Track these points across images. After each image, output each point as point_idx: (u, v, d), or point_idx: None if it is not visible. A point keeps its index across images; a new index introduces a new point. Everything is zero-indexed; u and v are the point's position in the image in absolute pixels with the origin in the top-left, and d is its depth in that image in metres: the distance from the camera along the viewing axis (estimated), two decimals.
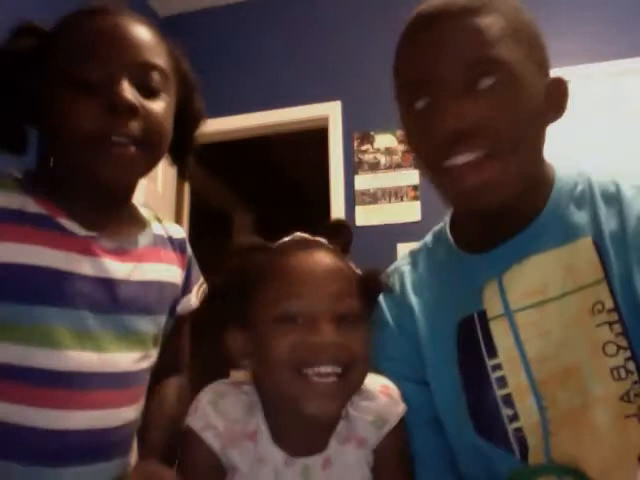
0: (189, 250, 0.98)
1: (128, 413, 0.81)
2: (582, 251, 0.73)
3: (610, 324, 0.70)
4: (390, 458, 0.78)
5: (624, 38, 2.62)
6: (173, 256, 0.92)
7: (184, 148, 0.91)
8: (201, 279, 0.99)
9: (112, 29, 0.76)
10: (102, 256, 0.79)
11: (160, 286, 0.87)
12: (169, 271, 0.90)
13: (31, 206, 0.75)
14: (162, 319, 0.88)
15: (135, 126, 0.74)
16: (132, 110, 0.73)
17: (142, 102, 0.75)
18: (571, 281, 0.73)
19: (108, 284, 0.79)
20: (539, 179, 0.78)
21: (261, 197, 4.49)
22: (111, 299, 0.79)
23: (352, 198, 2.87)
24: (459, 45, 0.70)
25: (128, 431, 0.82)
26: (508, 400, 0.74)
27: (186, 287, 0.95)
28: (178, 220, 3.09)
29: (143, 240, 0.87)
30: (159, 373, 0.91)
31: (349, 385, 0.70)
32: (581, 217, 0.76)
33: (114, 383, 0.78)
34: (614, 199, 0.75)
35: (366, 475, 0.76)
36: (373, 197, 2.85)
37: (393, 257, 2.47)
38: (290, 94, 3.06)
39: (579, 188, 0.79)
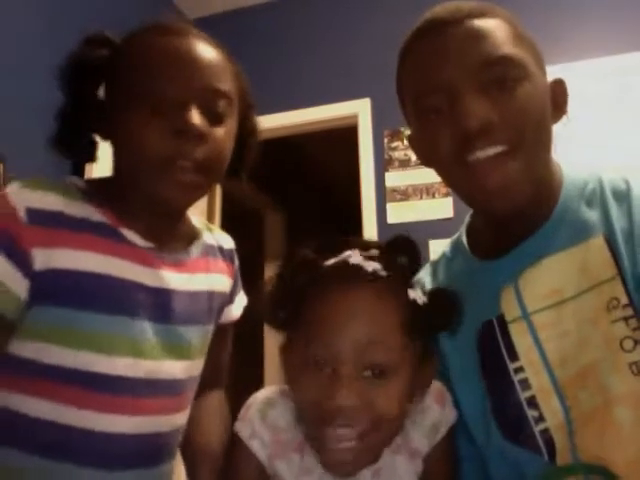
0: (237, 261, 0.99)
1: (178, 419, 0.83)
2: (595, 249, 0.73)
3: (626, 319, 0.69)
4: (439, 465, 0.77)
5: (630, 33, 2.57)
6: (223, 265, 0.94)
7: (238, 166, 0.91)
8: (242, 291, 1.01)
9: (184, 52, 0.77)
10: (161, 267, 0.81)
11: (210, 295, 0.89)
12: (219, 280, 0.92)
13: (95, 215, 0.77)
14: (211, 328, 0.90)
15: (200, 152, 0.75)
16: (201, 137, 0.75)
17: (208, 129, 0.76)
18: (586, 280, 0.73)
19: (165, 295, 0.81)
20: (549, 180, 0.79)
21: (292, 197, 4.50)
22: (167, 310, 0.81)
23: (383, 195, 2.86)
24: (472, 45, 0.72)
25: (176, 436, 0.84)
26: (532, 402, 0.74)
27: (231, 297, 0.97)
28: (210, 220, 3.12)
29: (195, 251, 0.89)
30: (199, 384, 0.91)
31: (371, 447, 0.67)
32: (592, 215, 0.76)
33: (166, 390, 0.80)
34: (625, 196, 0.75)
35: None
36: (404, 194, 2.83)
37: (425, 254, 2.45)
38: (319, 93, 3.06)
39: (589, 187, 0.79)
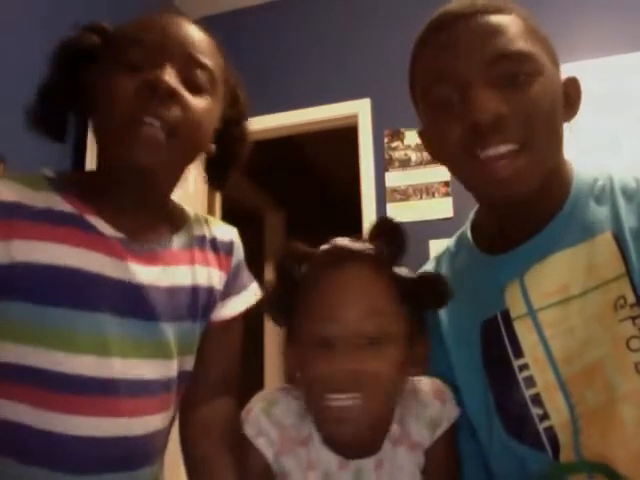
0: (239, 254, 0.93)
1: (156, 421, 0.78)
2: (603, 247, 0.73)
3: (633, 319, 0.69)
4: (441, 460, 0.78)
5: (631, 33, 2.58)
6: (212, 258, 0.88)
7: (223, 163, 0.89)
8: (251, 286, 0.93)
9: (167, 23, 0.78)
10: (128, 259, 0.76)
11: (193, 290, 0.83)
12: (205, 274, 0.85)
13: (58, 204, 0.75)
14: (197, 326, 0.84)
15: (170, 112, 0.73)
16: (170, 94, 0.72)
17: (183, 92, 0.74)
18: (593, 277, 0.72)
19: (132, 288, 0.76)
20: (559, 176, 0.78)
21: (292, 196, 4.50)
22: (134, 304, 0.76)
23: (383, 195, 2.86)
24: (486, 39, 0.72)
25: (156, 439, 0.79)
26: (537, 399, 0.73)
27: (227, 292, 0.89)
28: None
29: (177, 241, 0.84)
30: (199, 394, 0.86)
31: (369, 410, 0.69)
32: (601, 213, 0.76)
33: (137, 391, 0.75)
34: (635, 194, 0.75)
35: (416, 477, 0.76)
36: (404, 194, 2.83)
37: (426, 254, 2.45)
38: (319, 93, 3.06)
39: (599, 184, 0.78)
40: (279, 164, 4.00)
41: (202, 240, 0.88)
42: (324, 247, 0.76)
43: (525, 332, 0.75)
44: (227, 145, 0.86)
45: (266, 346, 4.00)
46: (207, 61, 0.78)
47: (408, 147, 2.87)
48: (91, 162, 2.22)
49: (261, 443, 0.74)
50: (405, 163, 2.86)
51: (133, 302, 0.76)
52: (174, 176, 0.83)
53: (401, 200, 2.83)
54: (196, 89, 0.76)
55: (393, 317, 0.71)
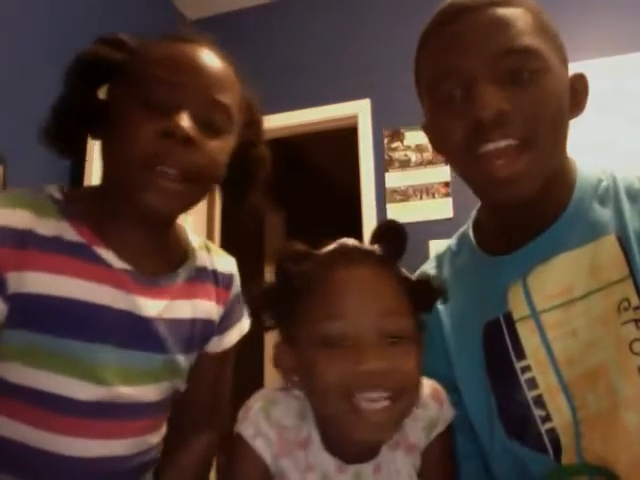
0: (236, 287, 0.93)
1: (151, 439, 0.82)
2: (606, 249, 0.72)
3: (636, 321, 0.68)
4: (436, 461, 0.77)
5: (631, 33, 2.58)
6: (212, 290, 0.89)
7: (243, 187, 0.89)
8: (244, 317, 0.95)
9: (189, 58, 0.76)
10: (134, 292, 0.77)
11: (192, 323, 0.85)
12: (204, 307, 0.87)
13: (68, 233, 0.75)
14: (190, 356, 0.87)
15: (188, 159, 0.73)
16: (186, 141, 0.72)
17: (199, 137, 0.74)
18: (596, 279, 0.72)
19: (137, 321, 0.78)
20: (562, 176, 0.78)
21: (292, 196, 4.50)
22: (139, 336, 0.78)
23: (383, 196, 2.86)
24: (492, 34, 0.71)
25: (149, 456, 0.83)
26: (539, 401, 0.73)
27: (223, 326, 0.91)
28: (210, 220, 3.12)
29: (182, 274, 0.84)
30: (188, 422, 0.91)
31: (400, 410, 0.67)
32: (605, 214, 0.75)
33: (139, 412, 0.79)
34: (639, 196, 0.74)
35: (413, 479, 0.75)
36: (404, 194, 2.83)
37: (425, 255, 2.45)
38: (319, 93, 3.06)
39: (603, 185, 0.78)
40: (279, 165, 4.01)
41: (204, 272, 0.88)
42: (331, 247, 0.74)
43: (528, 334, 0.75)
44: (243, 167, 0.85)
45: (266, 346, 4.00)
46: (227, 100, 0.77)
47: (408, 148, 2.87)
48: (90, 164, 2.22)
49: (259, 444, 0.73)
50: (405, 164, 2.86)
51: (137, 335, 0.78)
52: (185, 210, 0.83)
53: (401, 201, 2.83)
54: (214, 131, 0.76)
55: (408, 316, 0.69)
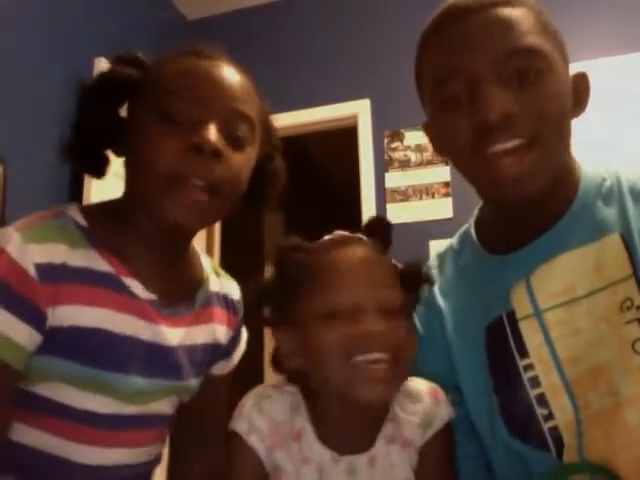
0: (241, 312, 0.96)
1: (156, 449, 0.86)
2: (610, 248, 0.72)
3: (639, 321, 0.68)
4: (433, 460, 0.77)
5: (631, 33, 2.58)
6: (224, 315, 0.91)
7: (259, 201, 0.90)
8: (244, 336, 0.98)
9: (210, 72, 0.76)
10: (158, 321, 0.79)
11: (205, 347, 0.87)
12: (217, 331, 0.89)
13: (98, 263, 0.75)
14: (201, 378, 0.90)
15: (215, 172, 0.73)
16: (216, 155, 0.72)
17: (226, 149, 0.74)
18: (599, 278, 0.72)
19: (160, 350, 0.80)
20: (566, 175, 0.78)
21: (291, 197, 4.49)
22: (162, 365, 0.81)
23: (383, 196, 2.86)
24: (497, 34, 0.71)
25: (151, 465, 0.87)
26: (542, 399, 0.73)
27: (230, 349, 0.94)
28: None
29: (199, 300, 0.86)
30: (187, 442, 0.94)
31: (399, 371, 0.71)
32: (609, 213, 0.75)
33: (151, 425, 0.83)
34: None
35: (409, 476, 0.76)
36: (404, 195, 2.83)
37: (425, 255, 2.45)
38: (319, 93, 3.06)
39: (607, 184, 0.78)
40: None
41: (216, 297, 0.91)
42: (325, 238, 0.79)
43: (530, 332, 0.75)
44: (261, 180, 0.86)
45: (266, 346, 4.00)
46: (250, 112, 0.78)
47: (408, 148, 2.87)
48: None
49: (253, 440, 0.74)
50: (405, 164, 2.87)
51: (161, 364, 0.81)
52: (208, 225, 0.84)
53: (401, 201, 2.83)
54: (238, 143, 0.77)
55: (400, 292, 0.73)
